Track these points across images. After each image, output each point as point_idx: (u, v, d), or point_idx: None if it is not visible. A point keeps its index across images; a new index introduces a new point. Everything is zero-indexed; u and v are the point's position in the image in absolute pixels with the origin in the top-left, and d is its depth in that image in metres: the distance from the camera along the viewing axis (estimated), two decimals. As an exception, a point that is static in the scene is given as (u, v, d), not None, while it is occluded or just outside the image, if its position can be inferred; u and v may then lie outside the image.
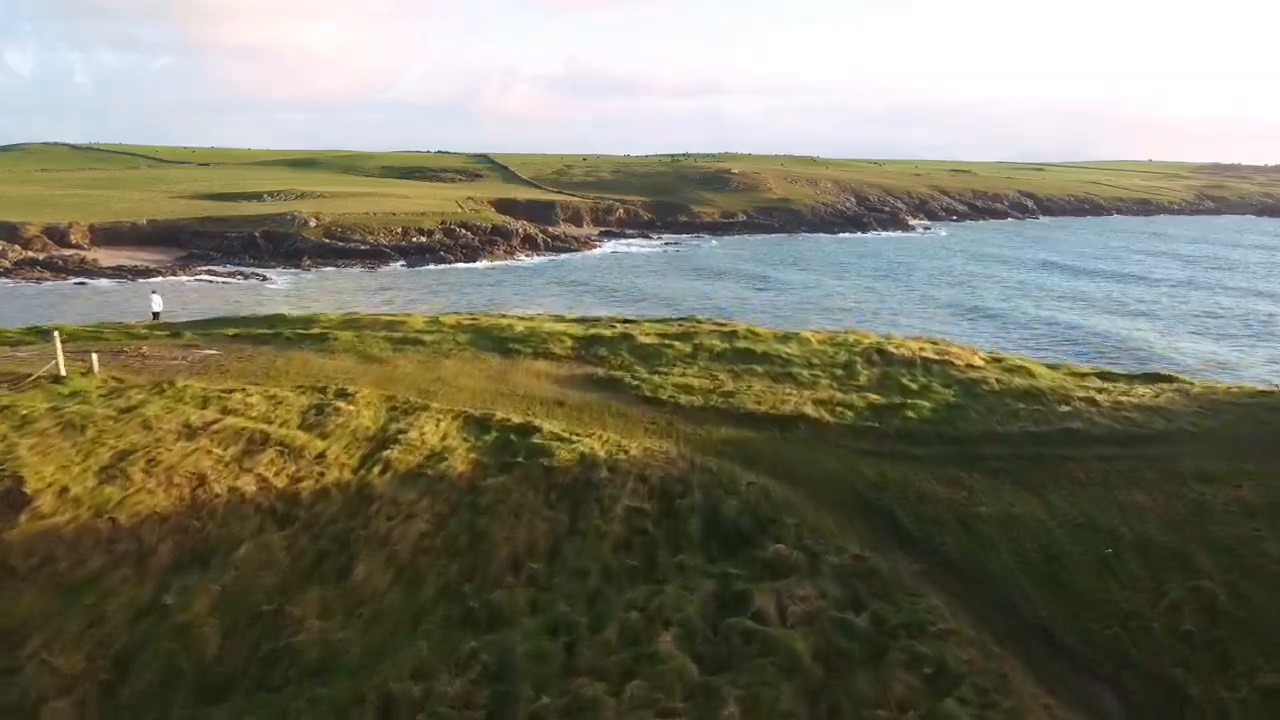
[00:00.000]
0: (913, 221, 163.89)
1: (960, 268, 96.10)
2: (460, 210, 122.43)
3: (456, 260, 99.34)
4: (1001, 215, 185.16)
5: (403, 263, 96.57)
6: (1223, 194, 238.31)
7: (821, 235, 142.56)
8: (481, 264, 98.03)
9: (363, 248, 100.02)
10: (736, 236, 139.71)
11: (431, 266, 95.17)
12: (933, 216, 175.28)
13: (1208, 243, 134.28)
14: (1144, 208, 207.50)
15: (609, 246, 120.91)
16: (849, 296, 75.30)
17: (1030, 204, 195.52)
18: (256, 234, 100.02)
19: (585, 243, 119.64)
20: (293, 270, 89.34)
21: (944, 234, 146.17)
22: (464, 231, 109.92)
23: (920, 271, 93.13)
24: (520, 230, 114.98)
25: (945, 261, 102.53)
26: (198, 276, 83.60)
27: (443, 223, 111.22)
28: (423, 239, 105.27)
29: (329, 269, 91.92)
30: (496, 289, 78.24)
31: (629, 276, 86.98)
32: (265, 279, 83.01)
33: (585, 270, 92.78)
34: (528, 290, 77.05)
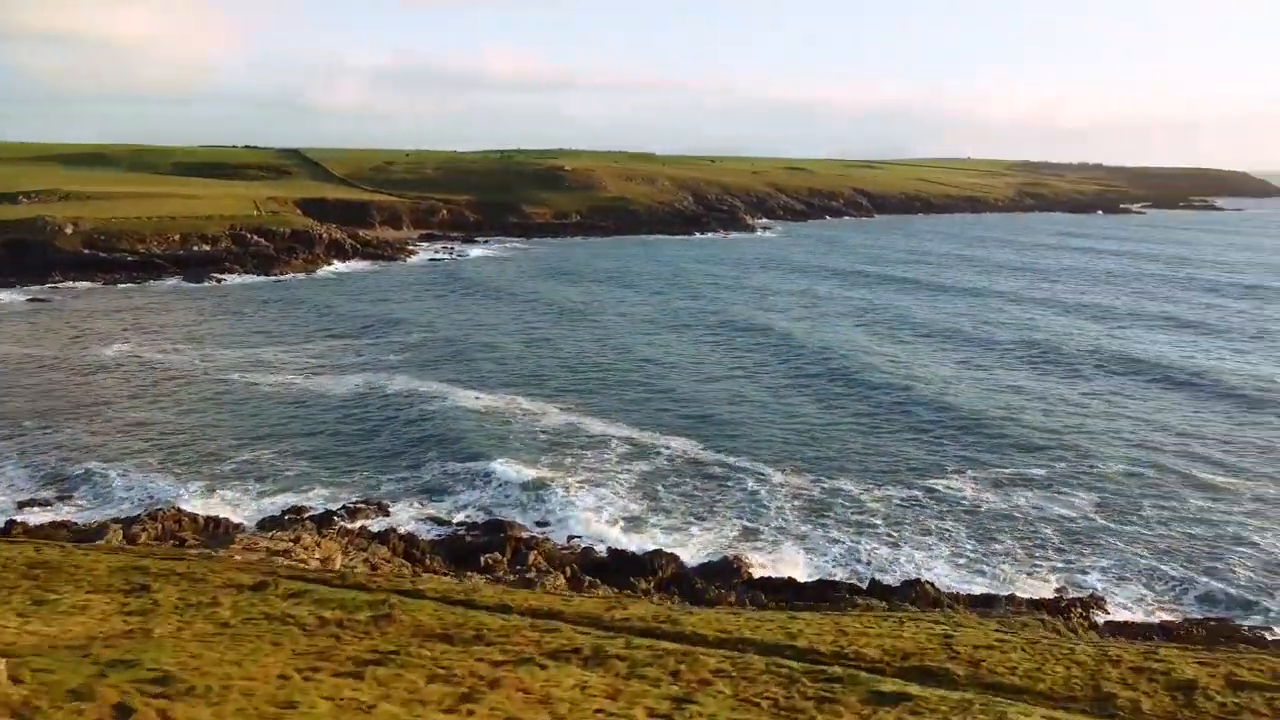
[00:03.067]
0: (751, 220, 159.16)
1: (829, 291, 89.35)
2: (257, 213, 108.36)
3: (246, 272, 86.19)
4: (838, 213, 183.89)
5: (180, 277, 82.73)
6: (1041, 191, 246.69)
7: (660, 236, 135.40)
8: (273, 276, 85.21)
9: (130, 259, 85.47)
10: (570, 239, 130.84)
11: (219, 280, 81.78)
12: (771, 215, 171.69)
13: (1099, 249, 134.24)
14: (973, 205, 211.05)
15: (429, 253, 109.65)
16: (706, 341, 66.90)
17: (865, 202, 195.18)
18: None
19: (402, 249, 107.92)
20: (33, 288, 74.38)
21: (787, 236, 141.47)
22: (257, 238, 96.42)
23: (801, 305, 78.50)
24: (325, 235, 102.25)
25: (813, 282, 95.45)
26: (-96, 300, 67.83)
27: (232, 228, 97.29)
28: (206, 248, 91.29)
29: (85, 285, 77.50)
30: (254, 319, 65.92)
31: (429, 299, 75.66)
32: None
33: (383, 287, 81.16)
34: (290, 324, 64.95)
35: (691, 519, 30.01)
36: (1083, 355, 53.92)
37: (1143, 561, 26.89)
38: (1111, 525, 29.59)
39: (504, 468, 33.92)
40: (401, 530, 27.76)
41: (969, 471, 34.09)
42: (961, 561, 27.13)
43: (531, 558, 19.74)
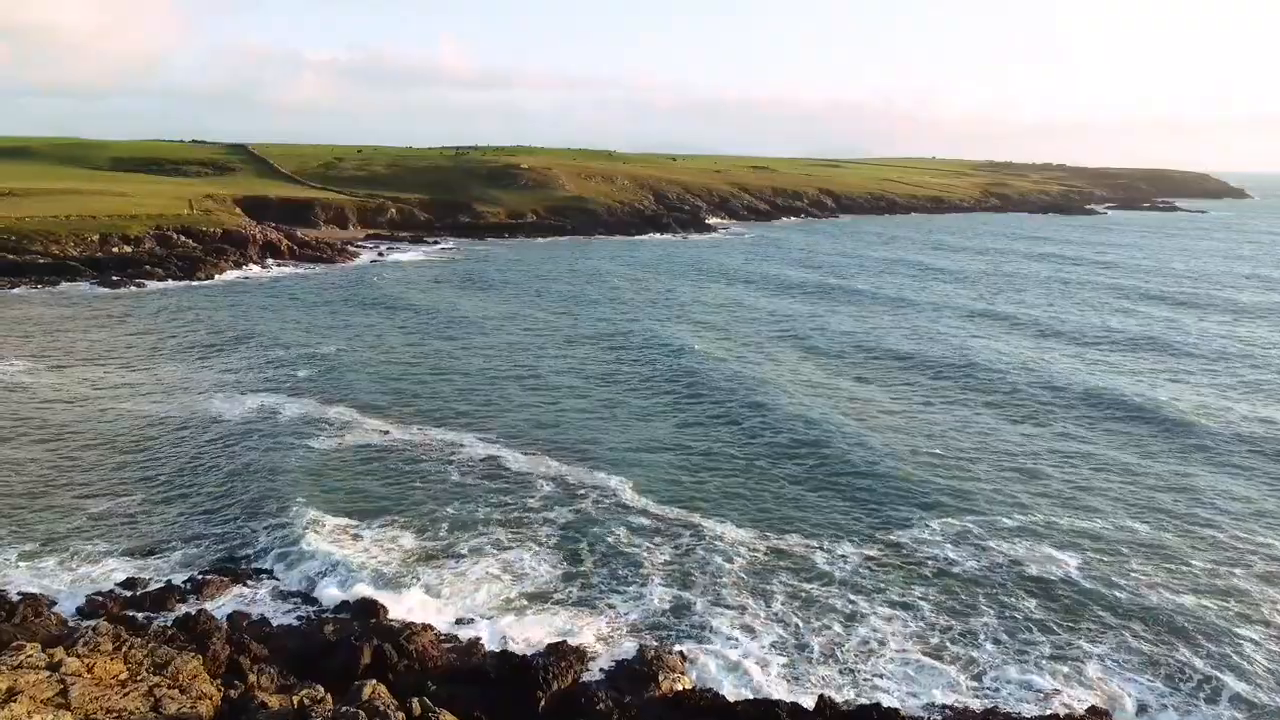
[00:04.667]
0: (712, 220, 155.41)
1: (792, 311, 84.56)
2: (189, 212, 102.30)
3: (168, 276, 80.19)
4: (802, 213, 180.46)
5: (94, 281, 76.63)
6: (1005, 191, 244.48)
7: (618, 237, 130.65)
8: (197, 281, 79.36)
9: (42, 262, 79.29)
10: (524, 240, 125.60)
11: (138, 285, 75.76)
12: (734, 215, 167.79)
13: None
14: (937, 205, 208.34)
15: (372, 254, 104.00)
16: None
17: (829, 202, 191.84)
18: (-110, 246, 77.36)
19: (343, 250, 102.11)
20: (-76, 296, 68.17)
21: (747, 238, 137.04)
22: (184, 239, 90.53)
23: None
24: (259, 236, 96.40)
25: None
26: None
27: (157, 228, 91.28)
28: (127, 249, 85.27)
29: (-14, 290, 71.36)
30: (158, 330, 60.54)
31: (355, 307, 70.78)
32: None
33: (311, 294, 75.89)
34: (197, 335, 59.44)
35: (613, 588, 25.34)
36: (1050, 385, 49.40)
37: (1146, 647, 22.56)
38: (1101, 593, 25.31)
39: (399, 521, 29.07)
40: (256, 613, 22.87)
41: (931, 524, 29.69)
42: (933, 644, 22.65)
43: (369, 690, 14.87)
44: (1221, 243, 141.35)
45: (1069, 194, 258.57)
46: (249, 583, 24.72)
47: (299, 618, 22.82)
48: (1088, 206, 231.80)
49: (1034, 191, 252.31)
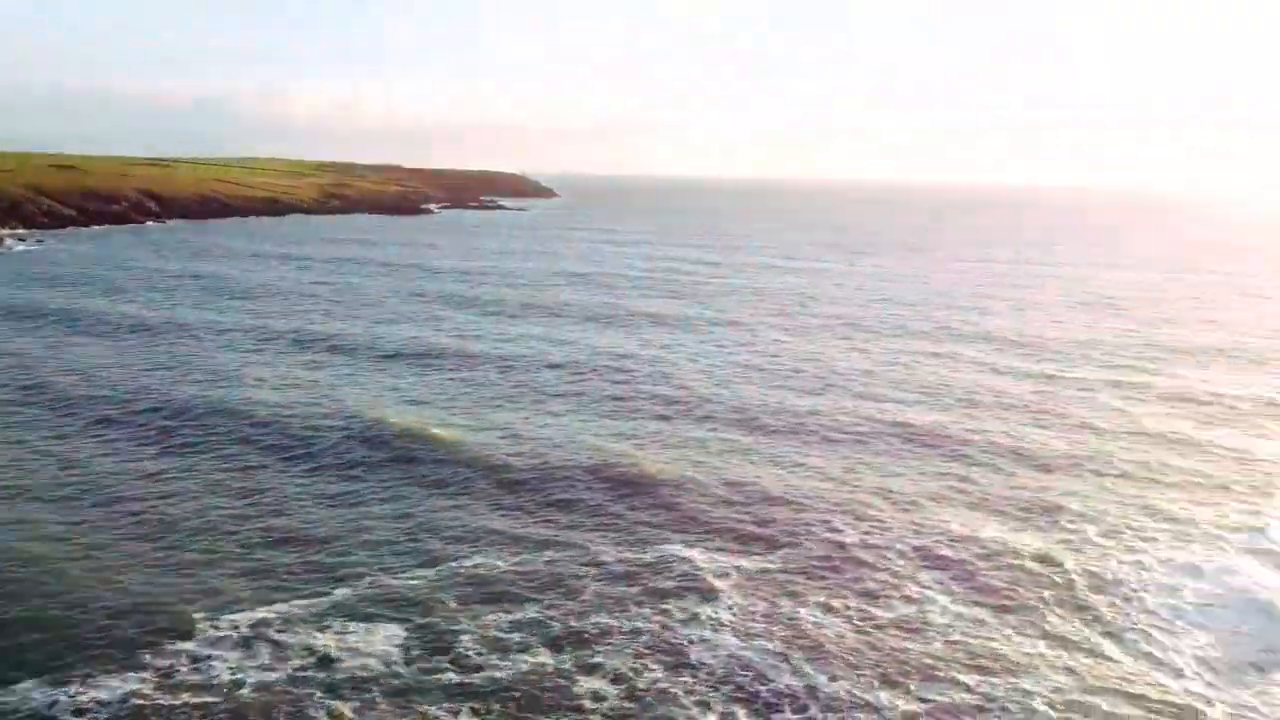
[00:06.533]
0: (2, 232, 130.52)
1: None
2: None
3: None
4: (122, 219, 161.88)
5: None
6: (347, 193, 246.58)
7: None
8: None
9: None
10: None
11: None
12: (30, 223, 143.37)
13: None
14: (274, 207, 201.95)
15: None
16: None
17: (154, 206, 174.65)
18: None
19: None
20: None
21: (36, 255, 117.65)
22: None
23: None
24: None
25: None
26: None
27: None
28: None
29: None
30: None
31: None
32: None
33: None
34: None
35: None
36: (343, 417, 48.78)
37: None
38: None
39: None
40: None
41: (213, 627, 26.02)
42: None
43: None
44: (542, 243, 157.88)
45: (406, 195, 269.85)
46: None
47: None
48: (423, 206, 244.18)
49: (374, 192, 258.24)
